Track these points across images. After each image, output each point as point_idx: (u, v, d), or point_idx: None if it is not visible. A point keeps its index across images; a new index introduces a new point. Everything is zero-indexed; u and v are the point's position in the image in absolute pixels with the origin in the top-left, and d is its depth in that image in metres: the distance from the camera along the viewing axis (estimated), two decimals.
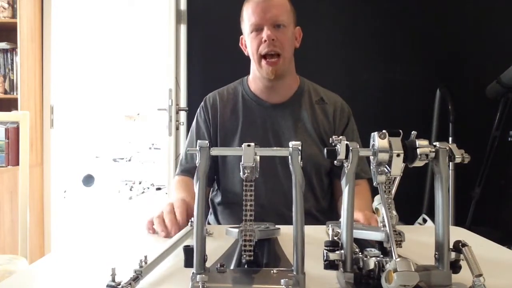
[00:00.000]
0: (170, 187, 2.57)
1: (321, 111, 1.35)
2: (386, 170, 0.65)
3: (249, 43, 1.30)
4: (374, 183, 0.67)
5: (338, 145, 0.66)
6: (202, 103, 1.41)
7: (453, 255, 0.64)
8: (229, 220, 1.32)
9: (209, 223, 1.38)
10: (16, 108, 2.55)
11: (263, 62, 1.27)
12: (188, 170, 1.34)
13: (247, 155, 0.66)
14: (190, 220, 0.98)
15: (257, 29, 1.26)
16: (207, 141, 0.67)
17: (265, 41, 1.24)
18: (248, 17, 1.28)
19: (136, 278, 0.65)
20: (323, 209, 1.34)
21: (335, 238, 0.77)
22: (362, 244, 0.71)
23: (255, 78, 1.36)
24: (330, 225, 0.89)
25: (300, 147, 0.66)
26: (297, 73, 1.40)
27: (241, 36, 1.36)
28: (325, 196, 1.35)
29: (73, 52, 4.96)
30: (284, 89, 1.36)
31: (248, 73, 1.40)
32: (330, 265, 0.63)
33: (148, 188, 6.10)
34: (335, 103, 1.37)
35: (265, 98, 1.35)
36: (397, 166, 0.63)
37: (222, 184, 1.35)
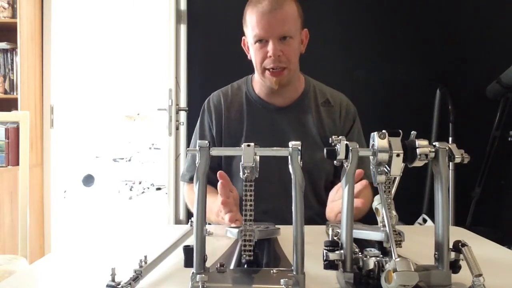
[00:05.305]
0: (171, 193, 2.57)
1: (327, 114, 1.33)
2: (386, 170, 0.65)
3: (252, 52, 1.26)
4: (374, 183, 0.67)
5: (337, 145, 0.66)
6: (205, 103, 1.38)
7: (452, 255, 0.64)
8: None
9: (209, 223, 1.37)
10: (16, 108, 2.55)
11: (267, 73, 1.24)
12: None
13: (246, 155, 0.66)
14: (190, 220, 0.98)
15: (261, 40, 1.21)
16: (206, 141, 0.67)
17: (270, 56, 1.20)
18: (251, 27, 1.22)
19: (136, 278, 0.65)
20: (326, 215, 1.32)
21: (335, 238, 0.77)
22: (362, 244, 0.71)
23: (260, 81, 1.33)
24: (330, 225, 0.89)
25: (299, 147, 0.66)
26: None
27: (243, 37, 1.32)
28: None
29: (73, 52, 4.96)
30: (289, 93, 1.33)
31: (249, 72, 1.38)
32: (330, 265, 0.63)
33: (148, 188, 6.09)
34: (340, 104, 1.35)
35: (270, 101, 1.33)
36: (397, 166, 0.64)
37: None
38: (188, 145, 2.37)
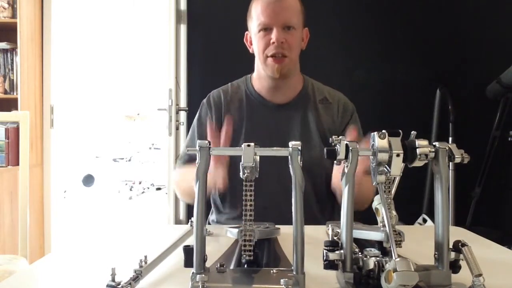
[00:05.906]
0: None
1: (325, 111, 1.34)
2: (386, 170, 0.65)
3: (255, 41, 1.29)
4: (374, 183, 0.67)
5: (337, 145, 0.66)
6: (205, 100, 1.39)
7: (452, 255, 0.64)
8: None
9: (209, 223, 1.38)
10: (16, 108, 2.55)
11: (269, 60, 1.26)
12: (194, 159, 1.31)
13: (247, 155, 0.66)
14: (190, 220, 0.98)
15: (266, 29, 1.25)
16: (207, 141, 0.67)
17: (273, 43, 1.23)
18: (257, 16, 1.26)
19: (136, 278, 0.65)
20: (326, 211, 1.32)
21: (335, 238, 0.77)
22: (362, 244, 0.71)
23: (260, 77, 1.35)
24: (330, 225, 0.89)
25: (299, 147, 0.66)
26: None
27: (246, 32, 1.34)
28: (329, 199, 1.34)
29: (73, 52, 4.96)
30: (289, 89, 1.35)
31: (249, 72, 1.39)
32: (330, 265, 0.63)
33: (148, 188, 6.09)
34: (338, 101, 1.37)
35: (269, 98, 1.34)
36: (397, 166, 0.64)
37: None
38: None
